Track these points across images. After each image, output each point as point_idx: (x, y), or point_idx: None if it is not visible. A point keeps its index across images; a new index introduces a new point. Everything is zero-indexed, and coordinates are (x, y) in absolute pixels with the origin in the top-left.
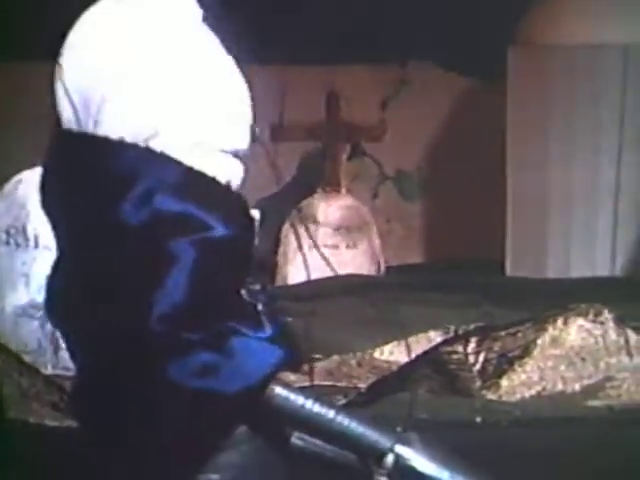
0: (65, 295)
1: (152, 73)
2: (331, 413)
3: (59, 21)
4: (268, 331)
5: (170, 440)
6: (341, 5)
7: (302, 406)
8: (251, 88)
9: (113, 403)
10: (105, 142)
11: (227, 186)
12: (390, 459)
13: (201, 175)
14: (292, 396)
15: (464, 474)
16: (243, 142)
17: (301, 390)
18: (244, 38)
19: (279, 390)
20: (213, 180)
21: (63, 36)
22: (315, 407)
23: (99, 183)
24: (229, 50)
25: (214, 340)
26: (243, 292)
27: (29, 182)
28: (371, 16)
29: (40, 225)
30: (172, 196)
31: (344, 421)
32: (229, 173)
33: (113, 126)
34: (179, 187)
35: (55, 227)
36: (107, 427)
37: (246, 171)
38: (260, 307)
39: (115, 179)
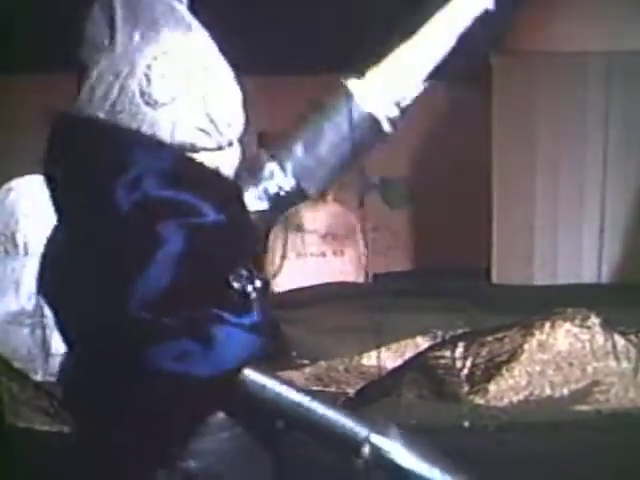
0: (56, 269)
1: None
2: (307, 400)
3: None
4: (253, 317)
5: (148, 422)
6: (326, 15)
7: (278, 394)
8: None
9: (97, 383)
10: (101, 126)
11: (218, 172)
12: (367, 449)
13: (193, 161)
14: (269, 384)
15: (442, 467)
16: (236, 132)
17: (278, 378)
18: (232, 49)
19: (255, 377)
20: (204, 166)
21: (39, 49)
22: (291, 395)
23: (95, 166)
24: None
25: (194, 327)
26: (232, 277)
27: (19, 190)
28: (355, 25)
29: (29, 232)
30: (164, 181)
31: (320, 409)
32: (225, 161)
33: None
34: (171, 172)
35: (55, 201)
36: (90, 406)
37: (241, 159)
38: (250, 290)
39: (109, 163)
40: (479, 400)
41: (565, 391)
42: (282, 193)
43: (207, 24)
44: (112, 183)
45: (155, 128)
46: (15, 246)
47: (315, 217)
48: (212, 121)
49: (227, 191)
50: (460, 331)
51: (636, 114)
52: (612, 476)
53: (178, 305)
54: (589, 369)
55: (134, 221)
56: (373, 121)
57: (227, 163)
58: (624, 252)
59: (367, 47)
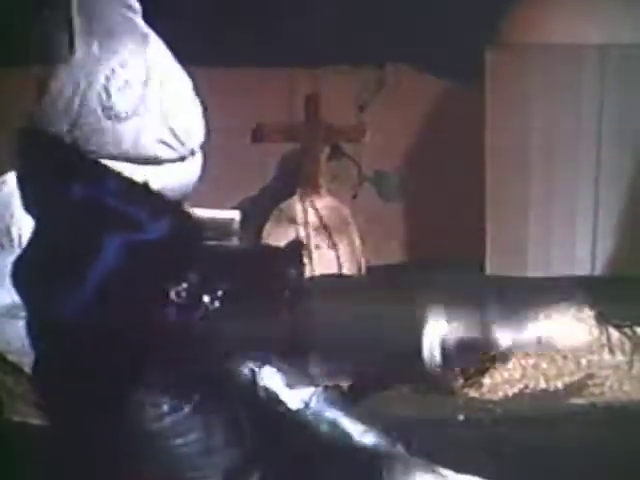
0: (22, 262)
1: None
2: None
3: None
4: (193, 318)
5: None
6: (319, 8)
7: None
8: (231, 90)
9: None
10: (53, 140)
11: (160, 191)
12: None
13: (135, 181)
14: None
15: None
16: (198, 141)
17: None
18: (223, 41)
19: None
20: (148, 188)
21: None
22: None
23: (51, 178)
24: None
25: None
26: (173, 292)
27: (13, 184)
28: (349, 19)
29: (24, 226)
30: (112, 194)
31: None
32: (187, 170)
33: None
34: (119, 191)
35: (26, 208)
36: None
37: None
38: (207, 299)
39: (65, 178)
40: (473, 393)
41: (559, 384)
42: None
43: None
44: (65, 191)
45: (118, 141)
46: (10, 240)
47: (308, 210)
48: (173, 133)
49: (169, 208)
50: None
51: (630, 107)
52: (607, 469)
53: (114, 315)
54: (583, 362)
55: (82, 227)
56: None
57: (189, 172)
58: (618, 245)
59: (361, 42)
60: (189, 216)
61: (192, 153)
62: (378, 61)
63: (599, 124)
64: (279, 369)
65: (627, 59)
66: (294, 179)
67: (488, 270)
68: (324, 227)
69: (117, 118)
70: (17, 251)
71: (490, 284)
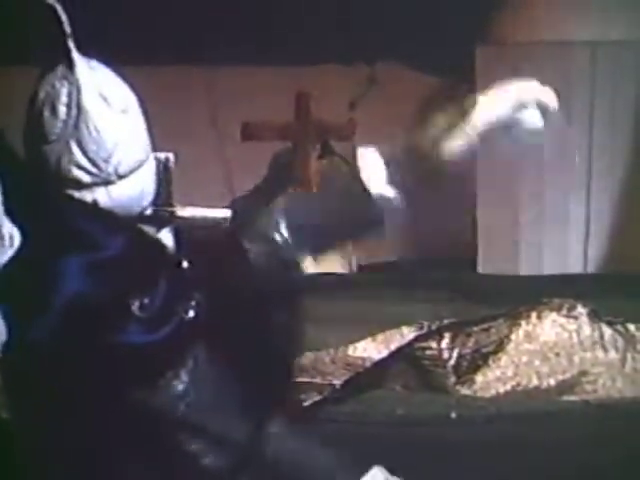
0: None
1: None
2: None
3: None
4: (162, 332)
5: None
6: (310, 6)
7: None
8: (223, 89)
9: None
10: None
11: (112, 211)
12: None
13: (88, 204)
14: None
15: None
16: (120, 166)
17: None
18: (216, 41)
19: None
20: (98, 207)
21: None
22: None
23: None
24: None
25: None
26: (137, 305)
27: None
28: (339, 17)
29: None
30: (66, 213)
31: None
32: (121, 193)
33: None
34: (72, 210)
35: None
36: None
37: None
38: (183, 313)
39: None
40: (466, 391)
41: (552, 381)
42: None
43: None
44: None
45: (45, 163)
46: (1, 238)
47: None
48: (88, 158)
49: (123, 224)
50: (446, 321)
51: (621, 104)
52: (601, 466)
53: (81, 338)
54: (576, 359)
55: (42, 247)
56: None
57: (125, 194)
58: (610, 242)
59: (354, 40)
60: (142, 233)
61: (119, 177)
62: (369, 59)
63: (590, 122)
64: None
65: (617, 57)
66: (285, 177)
67: (480, 268)
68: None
69: (45, 141)
70: (8, 252)
71: (482, 282)
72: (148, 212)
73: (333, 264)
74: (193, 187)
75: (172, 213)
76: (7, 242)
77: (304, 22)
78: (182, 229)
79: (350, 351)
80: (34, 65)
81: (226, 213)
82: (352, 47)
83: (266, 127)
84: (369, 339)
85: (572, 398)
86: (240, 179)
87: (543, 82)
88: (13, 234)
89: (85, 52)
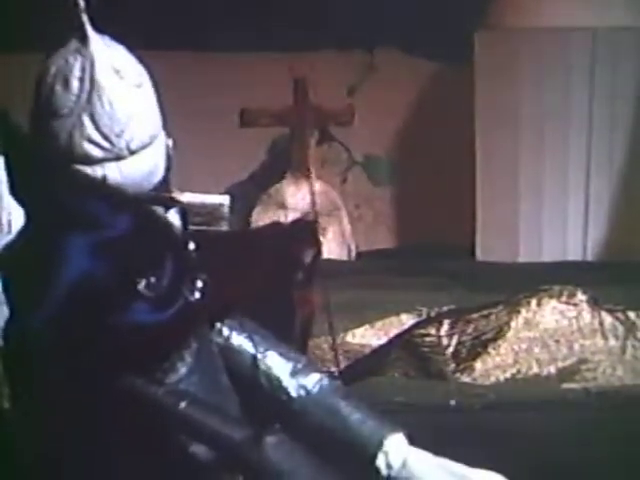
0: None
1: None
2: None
3: None
4: (169, 313)
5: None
6: None
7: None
8: (221, 75)
9: None
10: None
11: (119, 188)
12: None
13: (95, 180)
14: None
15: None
16: (133, 141)
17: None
18: (214, 26)
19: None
20: (106, 184)
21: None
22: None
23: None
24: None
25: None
26: (143, 284)
27: (2, 168)
28: (338, 3)
29: (14, 211)
30: (71, 192)
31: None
32: (134, 168)
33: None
34: (76, 188)
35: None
36: None
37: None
38: (187, 293)
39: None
40: (465, 378)
41: (552, 369)
42: None
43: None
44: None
45: (55, 139)
46: None
47: (298, 194)
48: (101, 133)
49: (129, 202)
50: (445, 309)
51: (620, 90)
52: (600, 454)
53: (83, 318)
54: (576, 347)
55: (45, 228)
56: None
57: (135, 169)
58: (610, 229)
59: (352, 26)
60: (151, 211)
61: (131, 152)
62: (368, 45)
63: (590, 108)
64: (283, 355)
65: (617, 42)
66: (283, 164)
67: (478, 256)
68: (313, 212)
69: (55, 115)
70: (6, 237)
71: (480, 269)
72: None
73: (332, 251)
74: (192, 173)
75: (171, 199)
76: (5, 228)
77: (303, 8)
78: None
79: (349, 338)
80: (38, 51)
81: (224, 200)
82: (351, 33)
83: (264, 113)
84: (368, 326)
85: (572, 386)
86: (238, 165)
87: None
88: (11, 220)
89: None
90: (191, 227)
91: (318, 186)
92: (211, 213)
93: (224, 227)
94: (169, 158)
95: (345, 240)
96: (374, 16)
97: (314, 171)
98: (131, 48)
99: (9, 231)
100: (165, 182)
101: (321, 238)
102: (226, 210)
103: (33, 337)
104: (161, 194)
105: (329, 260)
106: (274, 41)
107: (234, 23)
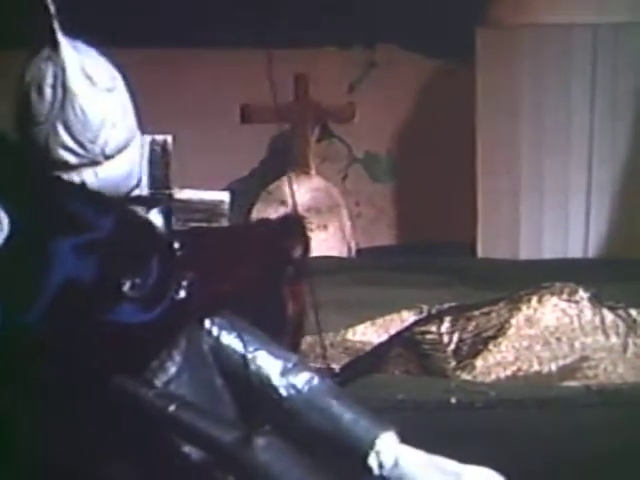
0: None
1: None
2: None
3: None
4: (155, 313)
5: None
6: None
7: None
8: (222, 71)
9: None
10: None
11: (100, 192)
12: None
13: (77, 185)
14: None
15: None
16: (106, 147)
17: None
18: (214, 23)
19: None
20: (87, 188)
21: None
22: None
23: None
24: None
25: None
26: (128, 285)
27: None
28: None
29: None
30: (56, 195)
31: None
32: (111, 173)
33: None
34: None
35: None
36: None
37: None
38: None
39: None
40: (466, 376)
41: (553, 366)
42: None
43: None
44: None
45: (34, 145)
46: None
47: (298, 191)
48: (75, 139)
49: (113, 204)
50: (446, 306)
51: (622, 86)
52: (601, 452)
53: (70, 314)
54: (577, 344)
55: (32, 231)
56: None
57: (113, 174)
58: (611, 226)
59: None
60: (132, 213)
61: (107, 157)
62: (368, 42)
63: (591, 105)
64: (273, 354)
65: (618, 38)
66: (284, 160)
67: (480, 252)
68: (314, 208)
69: (33, 122)
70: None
71: (481, 266)
72: (144, 194)
73: (332, 248)
74: (191, 169)
75: (170, 196)
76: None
77: (303, 4)
78: (173, 210)
79: (349, 335)
80: (22, 49)
81: (224, 196)
82: (351, 30)
83: (265, 110)
84: (368, 323)
85: (573, 383)
86: (238, 162)
87: (543, 64)
88: (1, 218)
89: (86, 35)
90: (191, 224)
91: (318, 183)
92: (211, 210)
93: (224, 224)
94: (166, 155)
95: (345, 237)
96: (375, 13)
97: (314, 168)
98: (133, 45)
99: (1, 229)
100: (158, 182)
101: (321, 235)
102: (226, 207)
103: (20, 339)
104: (142, 195)
105: (330, 257)
106: (275, 37)
107: (235, 19)
